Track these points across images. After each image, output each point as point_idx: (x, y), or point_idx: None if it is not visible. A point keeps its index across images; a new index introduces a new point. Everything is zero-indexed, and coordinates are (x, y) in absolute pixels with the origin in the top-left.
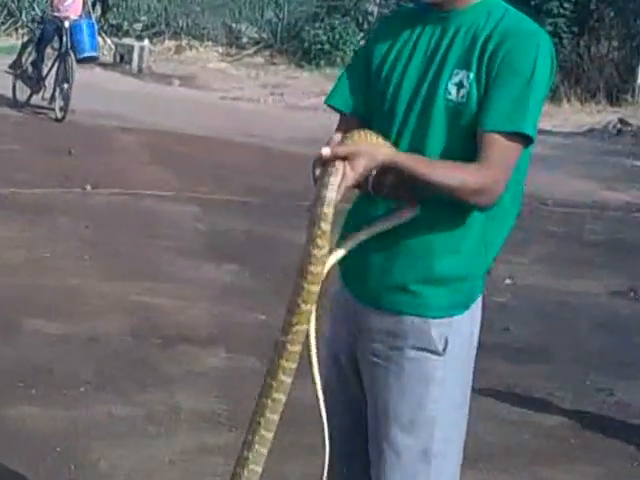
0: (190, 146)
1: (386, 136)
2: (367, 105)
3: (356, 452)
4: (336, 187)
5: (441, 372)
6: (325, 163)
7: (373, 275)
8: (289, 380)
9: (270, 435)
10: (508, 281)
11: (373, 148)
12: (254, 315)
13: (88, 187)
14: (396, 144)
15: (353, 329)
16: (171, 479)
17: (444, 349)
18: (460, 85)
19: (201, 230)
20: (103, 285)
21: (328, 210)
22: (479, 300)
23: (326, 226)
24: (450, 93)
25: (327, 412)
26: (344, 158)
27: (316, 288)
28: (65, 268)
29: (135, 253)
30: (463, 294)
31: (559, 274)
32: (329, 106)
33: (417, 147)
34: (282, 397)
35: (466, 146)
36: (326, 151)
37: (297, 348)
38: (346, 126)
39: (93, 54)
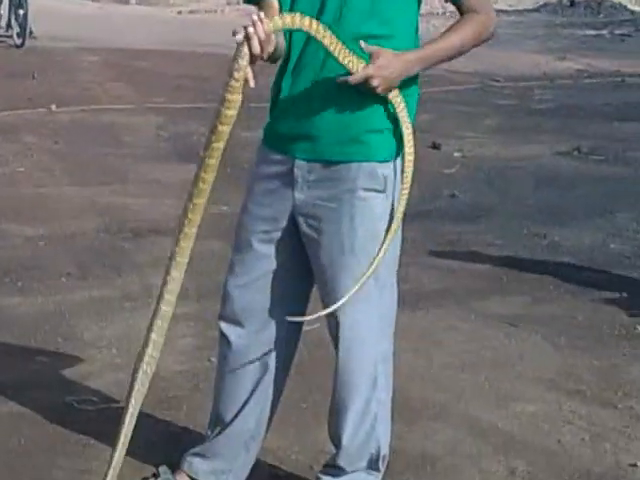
0: (149, 61)
1: (306, 12)
2: None
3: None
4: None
5: (384, 207)
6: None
7: (324, 132)
8: (207, 187)
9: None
10: (457, 154)
11: (398, 67)
12: (216, 206)
13: (53, 107)
14: (318, 17)
15: (290, 186)
16: None
17: (385, 188)
18: None
19: (162, 136)
20: (74, 191)
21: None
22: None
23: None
24: None
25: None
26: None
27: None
28: (38, 179)
29: (102, 162)
30: (398, 141)
31: (507, 143)
32: (249, 2)
33: (339, 17)
34: (201, 201)
35: (392, 6)
36: (239, 38)
37: (213, 162)
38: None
39: None
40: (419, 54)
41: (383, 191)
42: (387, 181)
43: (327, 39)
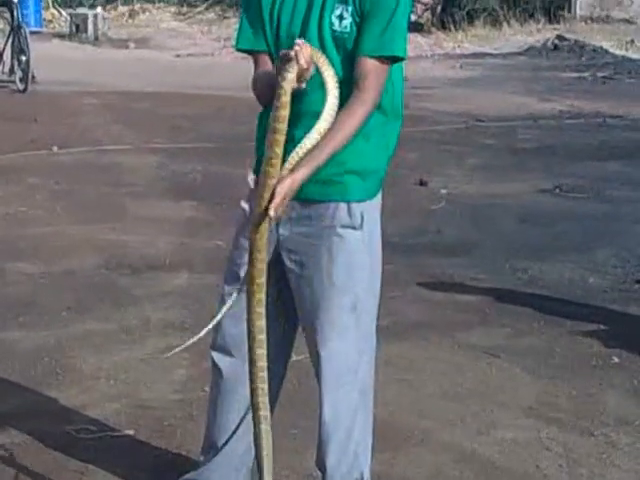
0: (147, 103)
1: None
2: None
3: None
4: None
5: (362, 243)
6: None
7: None
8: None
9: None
10: (443, 191)
11: (287, 189)
12: (212, 242)
13: (55, 148)
14: None
15: (274, 223)
16: (145, 373)
17: (361, 225)
18: (341, 17)
19: (160, 175)
20: (75, 229)
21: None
22: (381, 191)
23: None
24: (334, 24)
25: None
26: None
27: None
28: (40, 218)
29: (102, 201)
30: (374, 182)
31: (491, 180)
32: (240, 51)
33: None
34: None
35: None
36: (291, 54)
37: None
38: (263, 65)
39: (37, 29)
40: (310, 168)
41: (360, 228)
42: (364, 218)
43: (329, 75)
